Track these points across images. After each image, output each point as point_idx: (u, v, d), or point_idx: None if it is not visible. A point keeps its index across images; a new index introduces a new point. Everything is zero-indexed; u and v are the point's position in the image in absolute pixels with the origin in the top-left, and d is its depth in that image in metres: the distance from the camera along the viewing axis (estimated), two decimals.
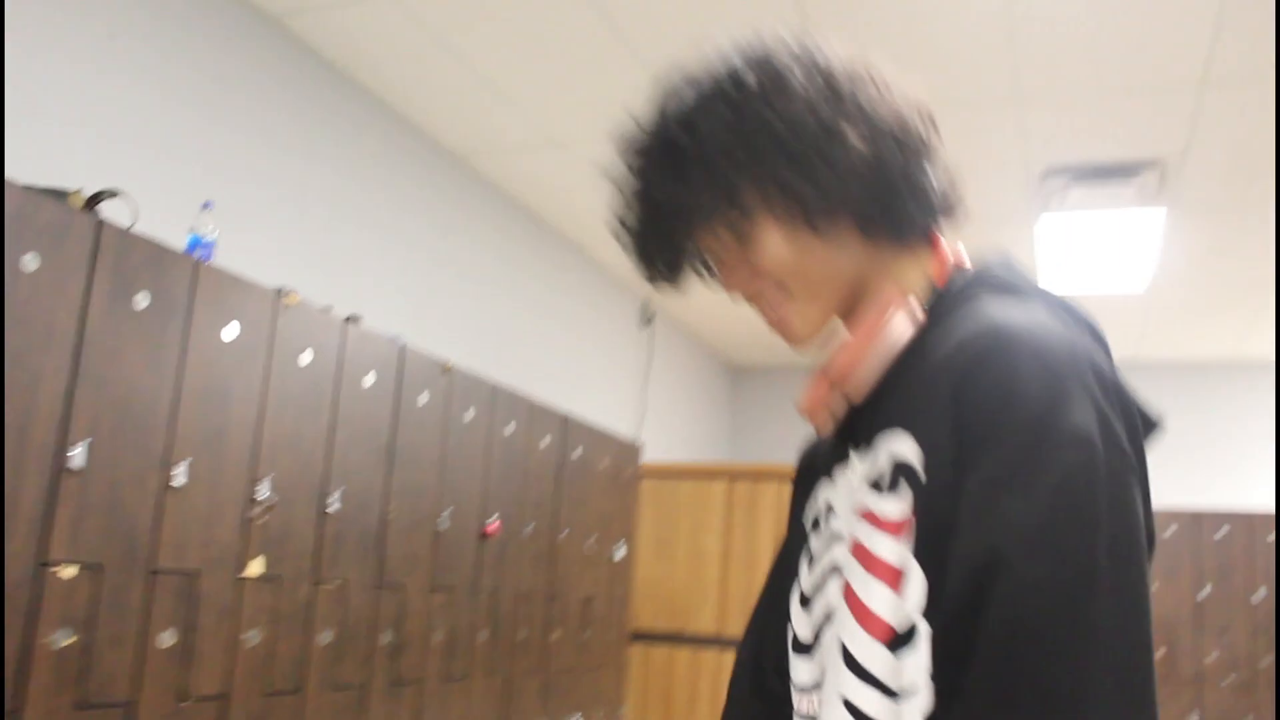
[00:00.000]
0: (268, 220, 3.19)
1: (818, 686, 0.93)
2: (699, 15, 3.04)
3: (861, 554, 0.87)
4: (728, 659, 4.83)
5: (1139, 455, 0.83)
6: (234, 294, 2.41)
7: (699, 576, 4.98)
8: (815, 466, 1.06)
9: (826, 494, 1.00)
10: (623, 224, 1.03)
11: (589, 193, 4.37)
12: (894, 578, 0.84)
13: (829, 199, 0.94)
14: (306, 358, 2.59)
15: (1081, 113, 3.49)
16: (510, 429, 3.54)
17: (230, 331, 2.38)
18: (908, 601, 0.83)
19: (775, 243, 0.95)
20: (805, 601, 0.98)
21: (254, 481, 2.44)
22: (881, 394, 0.95)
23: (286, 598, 2.53)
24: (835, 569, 0.93)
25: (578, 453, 4.01)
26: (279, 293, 2.53)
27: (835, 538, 0.95)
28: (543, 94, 3.58)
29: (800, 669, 0.98)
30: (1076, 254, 4.68)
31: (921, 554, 0.83)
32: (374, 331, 2.91)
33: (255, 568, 2.43)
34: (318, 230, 3.39)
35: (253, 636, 2.43)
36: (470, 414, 3.30)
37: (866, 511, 0.88)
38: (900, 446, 0.87)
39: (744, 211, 0.95)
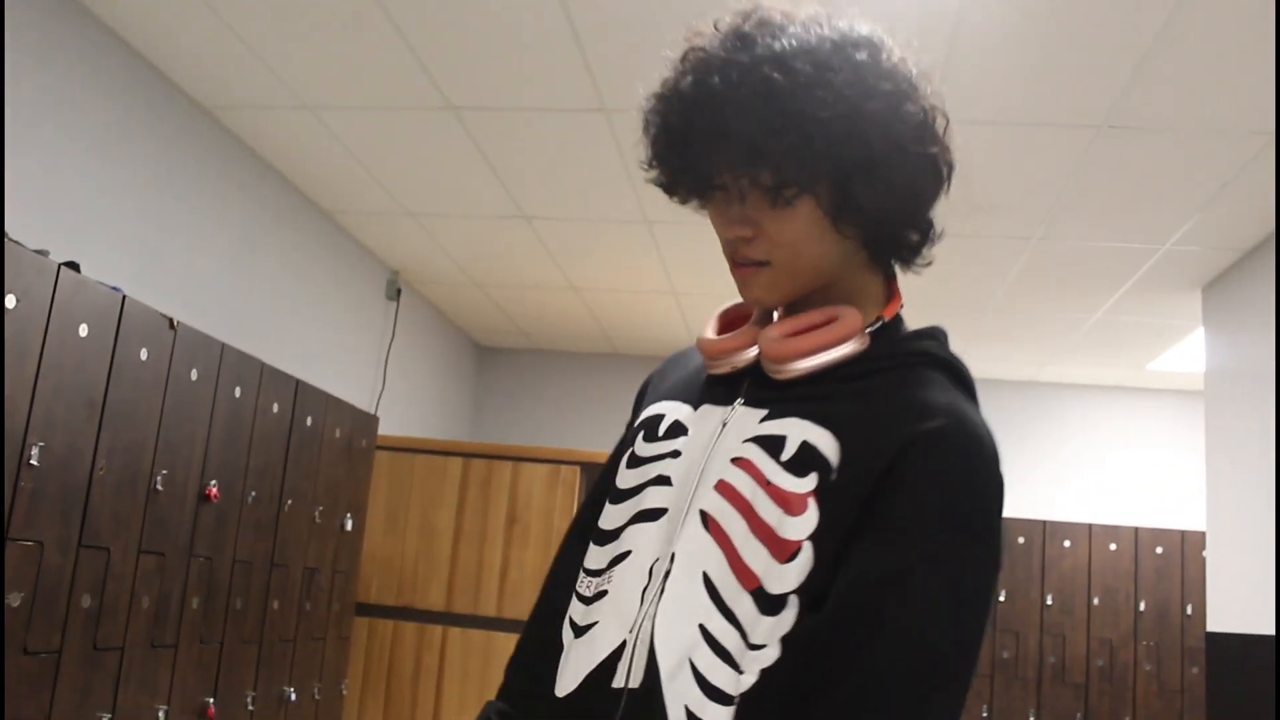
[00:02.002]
0: None
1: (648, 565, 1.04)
2: None
3: (747, 512, 0.98)
4: (455, 634, 4.86)
5: None
6: None
7: (429, 552, 4.97)
8: (662, 383, 1.23)
9: (677, 414, 1.13)
10: (668, 129, 1.02)
11: (341, 159, 4.28)
12: (783, 550, 0.95)
13: (868, 216, 1.01)
14: (10, 301, 2.44)
15: None
16: (238, 392, 3.43)
17: None
18: (789, 574, 0.95)
19: (802, 223, 1.00)
20: (629, 492, 1.11)
21: None
22: (804, 385, 1.04)
23: None
24: (703, 507, 1.02)
25: (310, 421, 3.93)
26: None
27: (692, 464, 1.06)
28: (298, 55, 3.48)
29: (638, 539, 1.07)
30: None
31: (818, 542, 0.94)
32: (92, 280, 2.77)
33: None
34: (37, 169, 3.17)
35: None
36: (195, 374, 3.19)
37: (752, 467, 1.00)
38: (818, 440, 0.98)
39: (800, 185, 0.98)
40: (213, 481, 3.28)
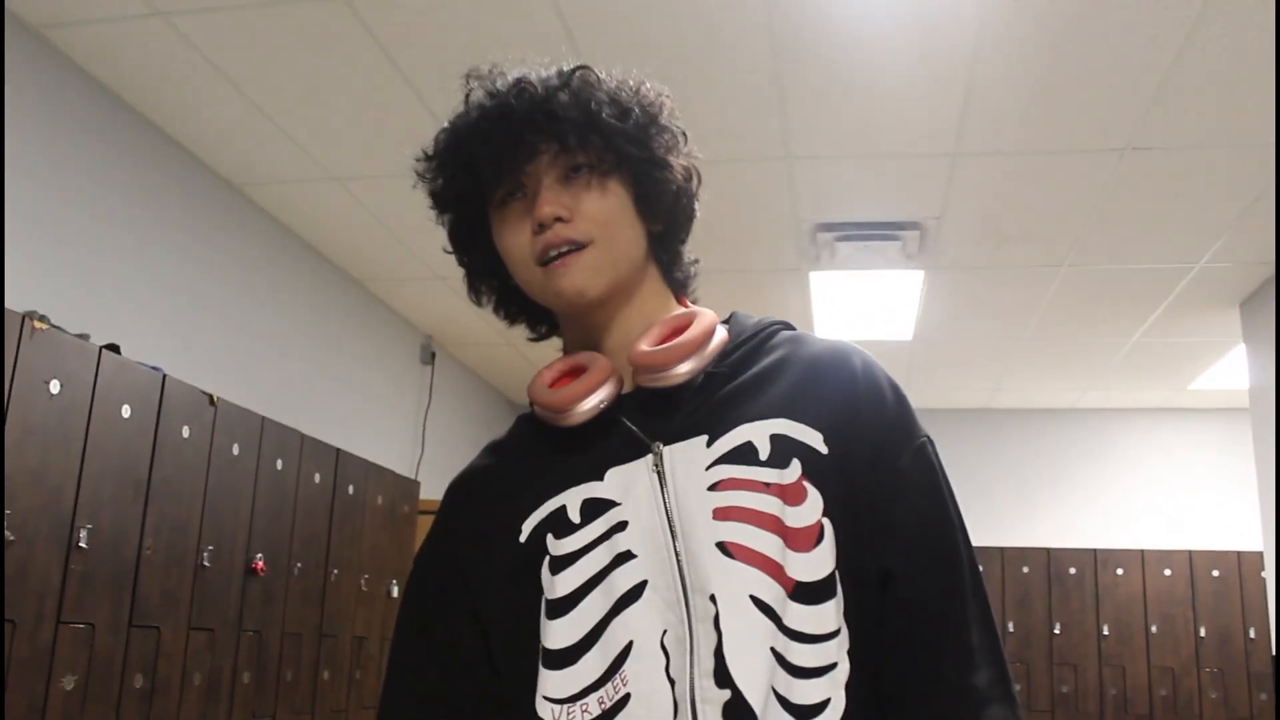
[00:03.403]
0: (19, 241, 3.02)
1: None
2: (481, 56, 3.09)
3: (758, 519, 0.98)
4: None
5: None
6: None
7: None
8: (493, 498, 1.10)
9: (582, 495, 1.03)
10: (478, 126, 1.06)
11: (369, 227, 4.33)
12: (807, 538, 0.98)
13: (661, 207, 1.10)
14: (55, 387, 2.47)
15: (848, 174, 3.71)
16: (280, 464, 3.45)
17: None
18: (823, 557, 0.97)
19: (615, 199, 1.05)
20: (582, 590, 1.00)
21: None
22: (696, 395, 1.05)
23: (25, 642, 2.38)
24: (718, 539, 0.98)
25: (352, 489, 3.94)
26: (26, 317, 2.41)
27: (653, 524, 1.00)
28: (321, 128, 3.54)
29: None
30: (846, 305, 4.98)
31: (832, 516, 0.98)
32: (132, 361, 2.80)
33: None
34: (75, 255, 3.23)
35: None
36: (237, 448, 3.21)
37: (741, 481, 0.99)
38: (784, 429, 1.01)
39: (611, 166, 1.05)
40: (259, 554, 3.29)
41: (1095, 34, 2.88)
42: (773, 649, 0.94)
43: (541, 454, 1.09)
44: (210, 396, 3.08)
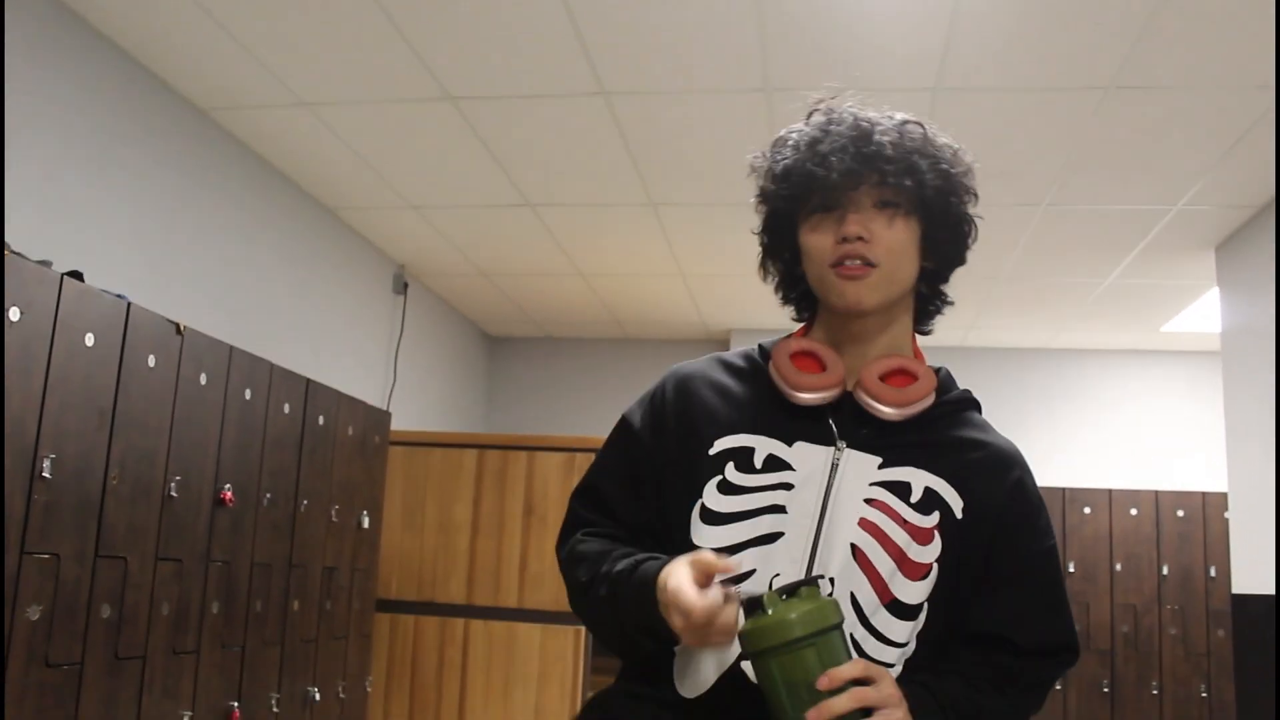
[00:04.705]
0: None
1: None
2: None
3: (887, 543, 1.24)
4: (477, 627, 4.85)
5: None
6: None
7: (448, 546, 4.96)
8: (706, 403, 1.35)
9: (770, 449, 1.29)
10: (815, 147, 1.29)
11: (341, 154, 4.25)
12: (918, 571, 1.25)
13: (941, 253, 1.35)
14: (14, 315, 2.42)
15: None
16: (249, 394, 3.42)
17: None
18: (921, 588, 1.25)
19: (906, 237, 1.29)
20: (734, 516, 1.27)
21: None
22: (895, 429, 1.30)
23: None
24: (852, 540, 1.24)
25: (322, 420, 3.91)
26: None
27: (810, 499, 1.26)
28: (292, 52, 3.44)
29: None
30: None
31: (943, 563, 1.26)
32: (96, 289, 2.74)
33: None
34: (36, 179, 3.15)
35: None
36: (204, 378, 3.17)
37: (889, 509, 1.25)
38: (938, 487, 1.28)
39: (913, 207, 1.29)
40: (227, 485, 3.26)
41: None
42: (851, 636, 1.20)
43: (756, 394, 1.35)
44: (177, 325, 3.03)
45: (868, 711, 1.09)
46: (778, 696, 1.09)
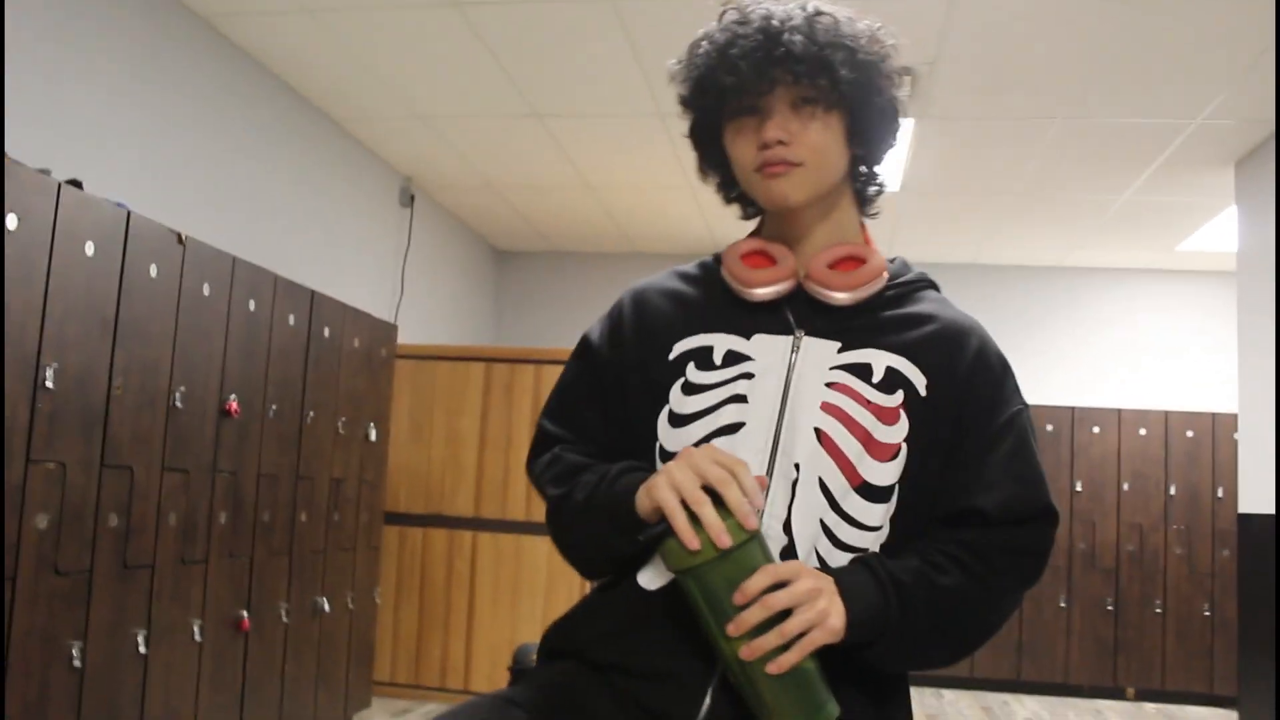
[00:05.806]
0: None
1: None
2: None
3: (852, 425, 1.24)
4: (485, 539, 4.89)
5: None
6: None
7: (455, 459, 4.98)
8: (663, 315, 1.35)
9: (729, 345, 1.30)
10: (724, 51, 1.26)
11: (346, 64, 4.17)
12: (886, 452, 1.24)
13: (869, 141, 1.33)
14: (12, 222, 2.39)
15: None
16: (253, 305, 3.39)
17: None
18: (891, 470, 1.24)
19: (829, 132, 1.28)
20: (698, 414, 1.27)
21: None
22: (849, 314, 1.30)
23: None
24: (816, 425, 1.24)
25: (328, 332, 3.90)
26: None
27: (771, 386, 1.26)
28: None
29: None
30: None
31: (911, 442, 1.25)
32: (96, 197, 2.71)
33: None
34: (35, 87, 3.09)
35: None
36: (208, 289, 3.15)
37: (851, 390, 1.25)
38: (900, 366, 1.27)
39: (832, 101, 1.27)
40: (232, 396, 3.26)
41: None
42: (822, 521, 1.22)
43: (711, 298, 1.35)
44: (178, 235, 3.00)
45: (789, 611, 1.11)
46: (702, 613, 1.11)
